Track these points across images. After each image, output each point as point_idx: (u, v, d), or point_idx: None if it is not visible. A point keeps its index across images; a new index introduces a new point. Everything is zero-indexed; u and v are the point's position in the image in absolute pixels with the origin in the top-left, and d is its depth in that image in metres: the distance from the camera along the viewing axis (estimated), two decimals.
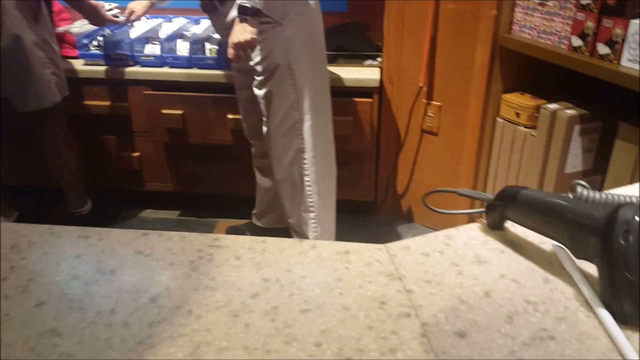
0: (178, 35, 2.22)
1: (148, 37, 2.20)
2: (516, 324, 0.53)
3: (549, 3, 1.64)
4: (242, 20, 1.53)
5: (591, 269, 0.58)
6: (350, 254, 0.64)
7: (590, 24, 1.51)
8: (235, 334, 0.52)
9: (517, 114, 1.79)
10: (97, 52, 2.14)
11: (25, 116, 1.98)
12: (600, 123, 1.67)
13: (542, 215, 0.61)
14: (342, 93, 2.04)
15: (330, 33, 2.10)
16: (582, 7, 1.53)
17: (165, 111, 2.10)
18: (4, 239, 0.66)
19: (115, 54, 2.10)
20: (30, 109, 1.95)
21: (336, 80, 2.02)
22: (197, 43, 2.12)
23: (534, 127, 1.75)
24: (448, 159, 2.15)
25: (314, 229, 1.82)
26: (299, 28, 1.63)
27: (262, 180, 2.05)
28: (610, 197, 0.65)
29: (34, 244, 0.65)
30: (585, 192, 0.66)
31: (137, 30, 2.30)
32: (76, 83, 2.12)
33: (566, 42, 1.60)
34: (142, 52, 2.13)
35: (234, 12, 1.56)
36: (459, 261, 0.62)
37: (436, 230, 0.68)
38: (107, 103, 2.18)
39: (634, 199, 0.64)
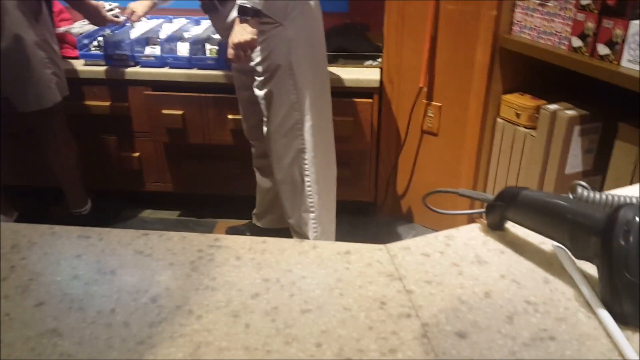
0: (178, 35, 2.22)
1: (148, 38, 2.20)
2: (516, 325, 0.53)
3: (549, 4, 1.64)
4: (242, 21, 1.53)
5: (591, 269, 0.58)
6: (350, 254, 0.64)
7: (591, 25, 1.51)
8: (236, 334, 0.52)
9: (517, 115, 1.79)
10: (98, 52, 2.14)
11: (26, 116, 1.98)
12: (600, 124, 1.67)
13: (543, 216, 0.61)
14: (342, 93, 2.04)
15: (330, 33, 2.10)
16: (582, 8, 1.54)
17: (165, 111, 2.10)
18: (5, 239, 0.66)
19: (116, 54, 2.10)
20: (30, 109, 1.95)
21: (336, 81, 2.02)
22: (198, 43, 2.12)
23: (534, 128, 1.75)
24: (448, 159, 2.15)
25: (314, 229, 1.82)
26: (299, 28, 1.63)
27: (262, 181, 2.05)
28: (610, 197, 0.65)
29: (34, 244, 0.65)
30: (585, 192, 0.66)
31: (138, 30, 2.30)
32: (76, 83, 2.12)
33: (566, 42, 1.60)
34: (142, 52, 2.13)
35: (234, 13, 1.56)
36: (459, 262, 0.62)
37: (436, 230, 0.68)
38: (107, 103, 2.18)
39: (634, 200, 0.65)
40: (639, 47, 1.39)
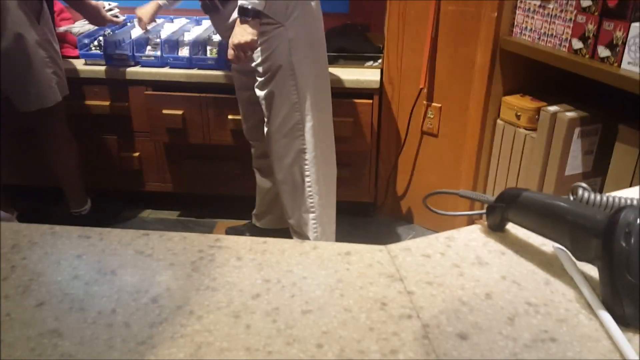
0: (179, 35, 2.22)
1: (149, 38, 2.20)
2: (517, 326, 0.53)
3: (550, 5, 1.64)
4: (243, 22, 1.53)
5: (592, 271, 0.58)
6: (351, 255, 0.64)
7: (591, 27, 1.51)
8: (237, 334, 0.52)
9: (518, 116, 1.79)
10: (98, 52, 2.14)
11: (26, 115, 1.98)
12: (601, 125, 1.67)
13: (543, 218, 0.61)
14: (342, 94, 2.04)
15: (331, 34, 2.10)
16: (583, 10, 1.54)
17: (165, 111, 2.10)
18: (5, 238, 0.66)
19: (116, 54, 2.10)
20: (31, 108, 1.95)
21: (336, 82, 2.02)
22: (198, 44, 2.12)
23: (534, 129, 1.75)
24: (448, 160, 2.15)
25: (315, 230, 1.82)
26: (300, 29, 1.63)
27: (262, 181, 2.05)
28: (611, 199, 0.65)
29: (34, 244, 0.65)
30: (586, 194, 0.66)
31: (138, 30, 2.30)
32: (77, 83, 2.12)
33: (567, 44, 1.60)
34: (142, 52, 2.13)
35: (235, 14, 1.56)
36: (460, 263, 0.62)
37: (436, 231, 0.68)
38: (107, 103, 2.18)
39: (635, 202, 0.65)
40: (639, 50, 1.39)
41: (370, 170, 2.25)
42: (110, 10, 2.16)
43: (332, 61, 2.08)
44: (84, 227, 0.68)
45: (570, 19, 1.58)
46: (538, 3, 1.68)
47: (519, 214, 0.64)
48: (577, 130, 1.65)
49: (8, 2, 1.79)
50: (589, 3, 1.51)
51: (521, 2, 1.73)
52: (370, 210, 2.39)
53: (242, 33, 1.52)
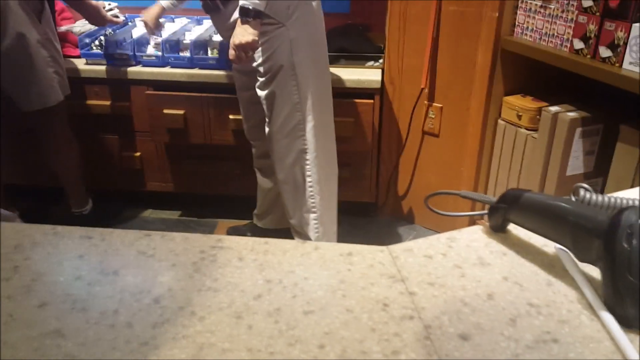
0: (180, 35, 2.22)
1: (150, 37, 2.20)
2: (519, 327, 0.53)
3: (551, 5, 1.64)
4: (244, 22, 1.53)
5: (594, 272, 0.58)
6: (352, 255, 0.64)
7: (592, 27, 1.51)
8: (238, 335, 0.52)
9: (519, 116, 1.79)
10: (99, 51, 2.14)
11: (28, 115, 1.98)
12: (602, 126, 1.67)
13: (545, 218, 0.61)
14: (343, 94, 2.04)
15: (332, 34, 2.10)
16: (584, 10, 1.54)
17: (166, 111, 2.10)
18: (8, 239, 0.66)
19: (117, 54, 2.10)
20: (33, 107, 1.95)
21: (337, 81, 2.02)
22: (199, 43, 2.12)
23: (535, 130, 1.75)
24: (449, 160, 2.15)
25: (316, 230, 1.82)
26: (301, 29, 1.63)
27: (263, 181, 2.05)
28: (613, 200, 0.65)
29: (37, 244, 0.65)
30: (587, 195, 0.66)
31: (139, 29, 2.30)
32: (78, 82, 2.12)
33: (568, 44, 1.60)
34: (143, 51, 2.14)
35: (236, 14, 1.56)
36: (461, 263, 0.62)
37: (437, 232, 0.68)
38: (108, 103, 2.18)
39: (637, 202, 0.64)
40: None
41: (372, 171, 2.25)
42: (110, 10, 2.16)
43: (333, 61, 2.08)
44: (86, 228, 0.68)
45: (572, 19, 1.58)
46: (539, 3, 1.68)
47: (521, 215, 0.64)
48: (578, 131, 1.65)
49: (10, 1, 1.79)
50: (590, 3, 1.51)
51: (522, 2, 1.73)
52: (371, 210, 2.39)
53: (243, 33, 1.52)
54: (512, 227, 0.68)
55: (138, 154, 2.29)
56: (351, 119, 2.09)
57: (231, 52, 1.56)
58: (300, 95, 1.68)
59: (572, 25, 1.58)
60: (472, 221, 2.00)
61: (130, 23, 2.35)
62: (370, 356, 0.50)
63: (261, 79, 1.68)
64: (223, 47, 2.05)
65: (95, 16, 2.02)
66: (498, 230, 0.68)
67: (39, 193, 2.40)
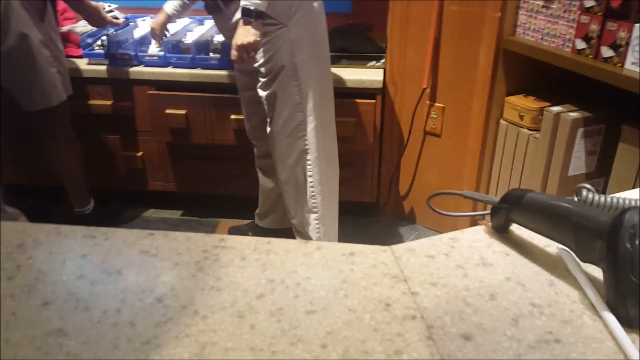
0: (182, 35, 2.23)
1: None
2: (522, 327, 0.53)
3: (553, 6, 1.64)
4: (245, 23, 1.53)
5: (597, 272, 0.58)
6: (355, 255, 0.64)
7: (595, 27, 1.51)
8: (241, 334, 0.52)
9: (521, 116, 1.79)
10: (101, 51, 2.14)
11: (30, 115, 1.98)
12: (604, 126, 1.67)
13: (548, 219, 0.61)
14: (345, 94, 2.04)
15: (333, 34, 2.10)
16: (587, 10, 1.53)
17: (168, 111, 2.10)
18: (11, 238, 0.66)
19: (119, 54, 2.11)
20: (35, 107, 1.95)
21: (339, 82, 2.02)
22: (201, 43, 2.12)
23: (537, 130, 1.75)
24: (451, 160, 2.15)
25: (317, 230, 1.82)
26: (303, 30, 1.63)
27: (264, 181, 2.05)
28: (615, 200, 0.65)
29: (40, 244, 0.65)
30: (590, 195, 0.66)
31: (141, 29, 2.30)
32: (80, 82, 2.13)
33: (570, 44, 1.60)
34: (145, 51, 2.14)
35: (238, 14, 1.56)
36: (464, 264, 0.62)
37: (439, 232, 0.68)
38: (110, 102, 2.18)
39: (639, 203, 0.64)
40: None
41: (373, 171, 2.25)
42: (110, 11, 2.17)
43: (335, 61, 2.08)
44: (89, 227, 0.68)
45: (574, 20, 1.58)
46: (541, 3, 1.67)
47: (523, 215, 0.64)
48: (580, 131, 1.65)
49: (12, 1, 1.80)
50: (593, 3, 1.51)
51: (524, 2, 1.73)
52: (373, 210, 2.39)
53: (245, 34, 1.52)
54: (515, 228, 0.68)
55: (140, 153, 2.29)
56: (353, 119, 2.09)
57: (233, 53, 1.56)
58: (302, 96, 1.68)
59: (574, 25, 1.58)
60: (474, 221, 2.00)
61: (132, 23, 2.36)
62: (372, 356, 0.50)
63: (262, 80, 1.68)
64: (225, 47, 2.05)
65: (95, 17, 2.02)
66: (500, 230, 0.68)
67: (41, 193, 2.40)
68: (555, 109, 1.68)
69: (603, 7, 1.48)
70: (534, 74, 1.83)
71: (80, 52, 2.17)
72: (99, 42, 2.19)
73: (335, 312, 0.55)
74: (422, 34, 2.02)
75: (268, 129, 1.75)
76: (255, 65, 1.66)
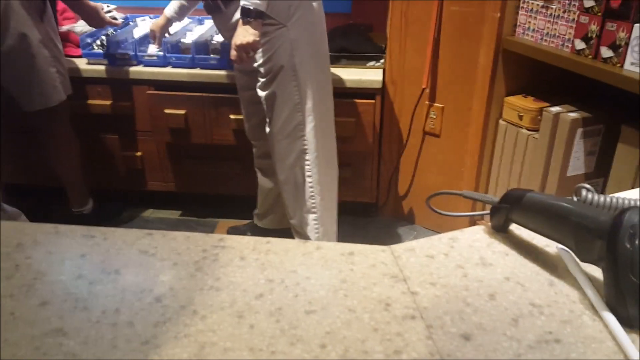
0: (182, 35, 2.22)
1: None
2: (521, 327, 0.53)
3: (553, 6, 1.64)
4: (245, 23, 1.53)
5: (596, 272, 0.58)
6: (354, 255, 0.64)
7: (594, 27, 1.51)
8: (240, 334, 0.52)
9: (520, 117, 1.79)
10: (100, 51, 2.14)
11: (29, 115, 1.98)
12: (603, 126, 1.67)
13: (547, 218, 0.61)
14: (344, 94, 2.04)
15: (333, 34, 2.10)
16: (586, 11, 1.54)
17: (168, 111, 2.10)
18: (9, 237, 0.66)
19: (119, 53, 2.10)
20: (35, 107, 1.95)
21: (339, 82, 2.02)
22: (201, 43, 2.12)
23: (536, 130, 1.75)
24: (450, 160, 2.15)
25: (316, 230, 1.82)
26: (302, 30, 1.63)
27: (263, 181, 2.05)
28: (615, 200, 0.65)
29: (38, 243, 0.65)
30: (590, 195, 0.66)
31: (141, 29, 2.30)
32: (79, 82, 2.13)
33: (569, 45, 1.60)
34: (145, 51, 2.14)
35: (237, 14, 1.56)
36: (463, 263, 0.62)
37: (438, 232, 0.68)
38: (109, 102, 2.18)
39: (639, 203, 0.64)
40: None
41: (372, 171, 2.25)
42: (108, 12, 2.17)
43: (335, 61, 2.08)
44: (88, 227, 0.68)
45: (573, 20, 1.58)
46: (541, 3, 1.68)
47: (523, 215, 0.64)
48: (579, 131, 1.65)
49: (12, 1, 1.80)
50: (592, 3, 1.51)
51: (524, 2, 1.73)
52: (372, 210, 2.39)
53: (244, 34, 1.52)
54: (514, 227, 0.68)
55: (139, 153, 2.29)
56: (352, 119, 2.09)
57: (232, 53, 1.56)
58: (301, 96, 1.68)
59: (574, 25, 1.58)
60: (473, 221, 2.00)
61: (131, 23, 2.36)
62: (372, 356, 0.50)
63: (262, 80, 1.68)
64: (225, 47, 2.05)
65: (94, 17, 2.02)
66: (500, 230, 0.68)
67: (40, 192, 2.40)
68: (555, 109, 1.68)
69: (602, 7, 1.48)
70: (534, 74, 1.83)
71: (80, 51, 2.17)
72: (98, 42, 2.19)
73: (335, 312, 0.55)
74: (421, 34, 2.02)
75: (267, 129, 1.75)
76: (255, 65, 1.66)
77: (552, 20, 1.65)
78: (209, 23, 2.34)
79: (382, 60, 2.14)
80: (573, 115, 1.64)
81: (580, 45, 1.56)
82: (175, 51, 2.13)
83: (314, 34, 1.68)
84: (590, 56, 1.54)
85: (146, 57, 2.11)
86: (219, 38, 2.15)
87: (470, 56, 1.93)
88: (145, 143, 2.27)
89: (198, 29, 2.32)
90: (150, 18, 2.40)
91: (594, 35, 1.51)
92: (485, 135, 1.95)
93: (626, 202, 0.65)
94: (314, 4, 1.65)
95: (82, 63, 2.15)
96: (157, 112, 2.11)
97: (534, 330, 0.52)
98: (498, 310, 0.55)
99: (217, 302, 0.56)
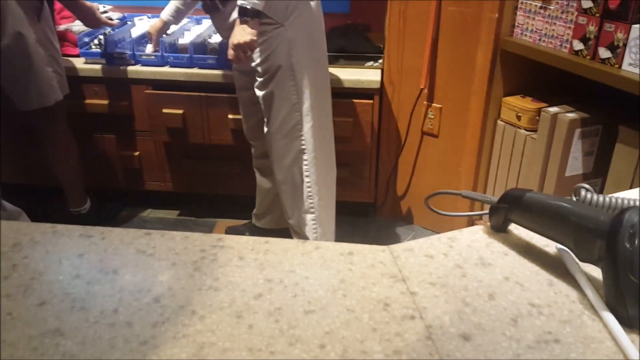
0: (179, 34, 2.22)
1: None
2: (521, 327, 0.53)
3: (551, 6, 1.64)
4: (242, 22, 1.52)
5: (596, 272, 0.58)
6: (353, 255, 0.64)
7: (592, 28, 1.51)
8: (239, 334, 0.52)
9: (518, 117, 1.79)
10: (98, 50, 2.13)
11: (26, 114, 1.97)
12: (601, 126, 1.67)
13: (547, 218, 0.61)
14: (342, 94, 2.03)
15: (331, 34, 2.10)
16: (584, 11, 1.54)
17: (165, 110, 2.09)
18: (7, 237, 0.66)
19: (116, 53, 2.10)
20: (32, 107, 1.94)
21: (337, 82, 2.02)
22: (199, 43, 2.12)
23: (534, 130, 1.75)
24: (448, 161, 2.15)
25: (314, 230, 1.82)
26: (300, 29, 1.63)
27: (262, 181, 2.05)
28: (614, 200, 0.65)
29: (36, 243, 0.65)
30: (589, 195, 0.66)
31: (138, 29, 2.30)
32: (77, 81, 2.12)
33: (568, 45, 1.60)
34: (143, 51, 2.13)
35: (235, 14, 1.56)
36: (462, 263, 0.62)
37: (436, 232, 0.68)
38: (107, 102, 2.17)
39: (638, 203, 0.64)
40: None
41: (370, 171, 2.25)
42: (104, 12, 2.16)
43: (333, 61, 2.08)
44: (86, 226, 0.68)
45: (571, 20, 1.58)
46: (539, 4, 1.68)
47: (522, 215, 0.63)
48: (577, 132, 1.65)
49: (8, 0, 1.79)
50: (590, 4, 1.51)
51: (522, 3, 1.73)
52: (370, 210, 2.39)
53: (242, 33, 1.52)
54: (513, 227, 0.68)
55: (137, 153, 2.28)
56: (350, 119, 2.09)
57: (230, 52, 1.56)
58: (299, 96, 1.67)
59: (572, 26, 1.58)
60: (471, 221, 2.00)
61: (129, 22, 2.35)
62: (371, 356, 0.49)
63: (259, 79, 1.67)
64: (223, 46, 2.04)
65: (90, 17, 2.01)
66: (499, 230, 0.68)
67: (37, 192, 2.39)
68: (553, 109, 1.68)
69: (601, 8, 1.49)
70: (532, 75, 1.84)
71: (77, 51, 2.16)
72: (96, 41, 2.18)
73: (334, 312, 0.55)
74: (420, 34, 2.02)
75: (265, 129, 1.75)
76: (252, 64, 1.66)
77: (550, 21, 1.65)
78: (207, 22, 2.33)
79: (380, 61, 2.14)
80: (571, 115, 1.64)
81: (578, 45, 1.57)
82: (173, 51, 2.13)
83: (312, 33, 1.67)
84: (588, 57, 1.54)
85: (144, 57, 2.11)
86: (217, 38, 2.15)
87: (469, 56, 1.93)
88: (143, 143, 2.27)
89: (196, 29, 2.32)
90: (149, 17, 2.39)
91: (592, 36, 1.52)
92: (484, 135, 1.95)
93: (625, 202, 0.65)
94: (312, 3, 1.65)
95: (79, 62, 2.14)
96: (154, 111, 2.11)
97: (534, 330, 0.52)
98: (497, 310, 0.55)
99: (216, 302, 0.56)
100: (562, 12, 1.61)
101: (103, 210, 2.31)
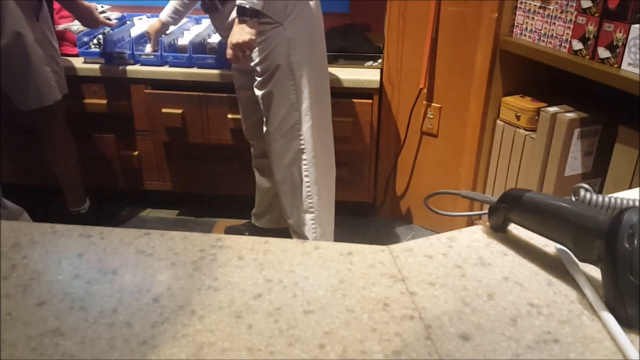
0: (178, 34, 2.22)
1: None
2: (520, 327, 0.53)
3: (550, 6, 1.64)
4: (241, 21, 1.52)
5: (595, 272, 0.58)
6: (353, 255, 0.64)
7: (591, 28, 1.51)
8: (238, 334, 0.52)
9: (517, 117, 1.79)
10: (97, 50, 2.13)
11: (25, 114, 1.97)
12: (600, 126, 1.67)
13: (546, 219, 0.61)
14: (342, 94, 2.03)
15: (331, 34, 2.10)
16: (583, 11, 1.54)
17: (165, 110, 2.09)
18: (6, 237, 0.66)
19: (115, 52, 2.10)
20: (30, 107, 1.94)
21: (336, 81, 2.02)
22: (198, 42, 2.12)
23: (534, 130, 1.75)
24: (448, 161, 2.15)
25: (314, 230, 1.82)
26: (299, 29, 1.63)
27: (261, 181, 2.05)
28: (613, 200, 0.65)
29: (35, 243, 0.65)
30: (588, 195, 0.66)
31: (138, 28, 2.29)
32: (76, 81, 2.12)
33: (567, 45, 1.60)
34: (142, 50, 2.13)
35: (235, 13, 1.56)
36: (462, 263, 0.62)
37: (435, 232, 0.68)
38: (106, 101, 2.17)
39: (638, 203, 0.64)
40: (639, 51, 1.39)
41: (370, 171, 2.25)
42: (102, 12, 2.16)
43: (332, 61, 2.08)
44: (85, 226, 0.68)
45: (571, 20, 1.58)
46: (538, 4, 1.68)
47: (522, 215, 0.64)
48: (576, 131, 1.65)
49: (7, 0, 1.79)
50: (590, 4, 1.51)
51: (521, 3, 1.73)
52: (370, 210, 2.39)
53: (240, 32, 1.52)
54: (513, 227, 0.68)
55: (136, 153, 2.28)
56: (350, 118, 2.09)
57: (229, 52, 1.56)
58: (298, 95, 1.67)
59: (571, 26, 1.58)
60: (470, 221, 2.00)
61: (128, 22, 2.35)
62: (370, 356, 0.49)
63: (258, 79, 1.67)
64: (222, 46, 2.04)
65: (88, 17, 2.01)
66: (498, 230, 0.68)
67: (37, 192, 2.39)
68: (552, 109, 1.68)
69: (600, 8, 1.49)
70: (531, 75, 1.84)
71: (76, 50, 2.16)
72: (95, 41, 2.18)
73: (333, 312, 0.55)
74: (419, 34, 2.02)
75: (264, 129, 1.75)
76: (251, 64, 1.66)
77: (549, 20, 1.65)
78: (206, 22, 2.33)
79: (379, 60, 2.14)
80: (570, 115, 1.64)
81: (577, 45, 1.57)
82: (172, 50, 2.13)
83: (311, 33, 1.67)
84: (587, 57, 1.54)
85: (143, 56, 2.11)
86: (216, 37, 2.14)
87: (468, 56, 1.93)
88: (142, 142, 2.27)
89: (195, 28, 2.32)
90: (148, 17, 2.39)
91: (591, 36, 1.52)
92: (483, 135, 1.95)
93: (625, 202, 0.65)
94: (311, 3, 1.65)
95: (78, 62, 2.14)
96: (154, 111, 2.11)
97: (533, 330, 0.52)
98: (497, 310, 0.55)
99: (215, 302, 0.56)
100: (562, 12, 1.61)
101: (102, 210, 2.31)
